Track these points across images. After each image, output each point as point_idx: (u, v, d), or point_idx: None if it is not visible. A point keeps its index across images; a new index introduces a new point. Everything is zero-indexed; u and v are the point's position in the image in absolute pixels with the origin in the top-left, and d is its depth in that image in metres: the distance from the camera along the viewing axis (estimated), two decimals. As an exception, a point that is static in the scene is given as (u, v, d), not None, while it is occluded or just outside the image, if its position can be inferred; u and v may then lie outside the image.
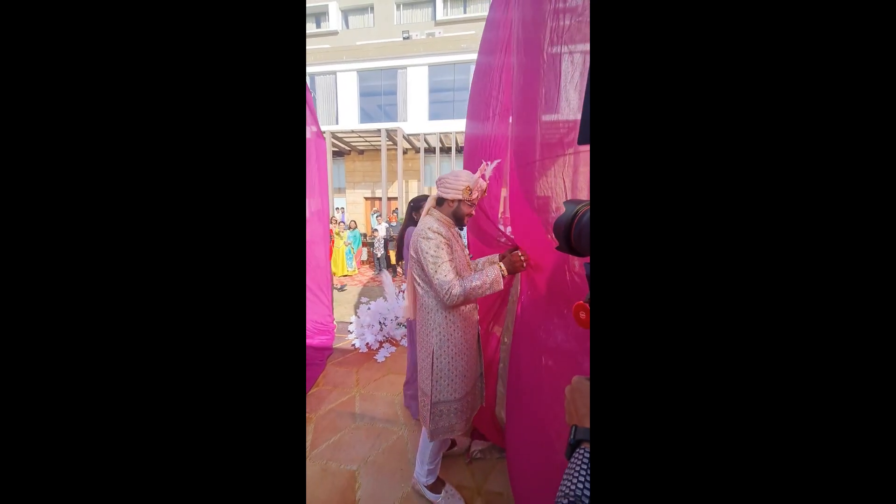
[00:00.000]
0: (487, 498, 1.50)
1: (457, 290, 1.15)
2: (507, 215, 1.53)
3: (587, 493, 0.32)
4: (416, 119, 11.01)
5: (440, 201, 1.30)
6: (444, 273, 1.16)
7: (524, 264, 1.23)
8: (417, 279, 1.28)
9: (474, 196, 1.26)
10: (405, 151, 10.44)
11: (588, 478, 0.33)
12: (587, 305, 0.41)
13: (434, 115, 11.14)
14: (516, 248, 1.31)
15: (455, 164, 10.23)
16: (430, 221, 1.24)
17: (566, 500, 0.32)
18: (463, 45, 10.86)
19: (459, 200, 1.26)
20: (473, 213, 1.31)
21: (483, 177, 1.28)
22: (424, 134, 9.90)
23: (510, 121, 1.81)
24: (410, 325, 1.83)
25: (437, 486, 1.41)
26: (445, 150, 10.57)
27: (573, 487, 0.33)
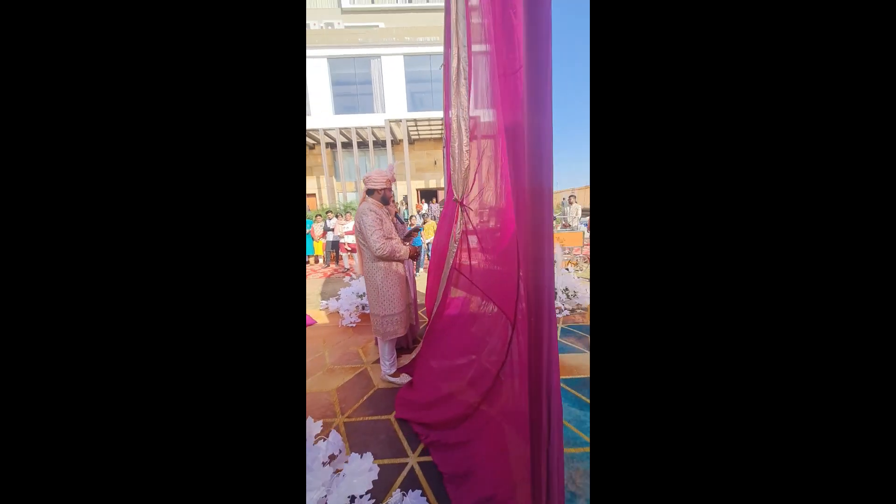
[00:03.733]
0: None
1: (387, 246, 1.96)
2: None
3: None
4: (319, 113, 10.97)
5: (370, 192, 2.06)
6: (378, 236, 1.95)
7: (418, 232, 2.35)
8: (361, 241, 2.03)
9: (390, 185, 2.10)
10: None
11: None
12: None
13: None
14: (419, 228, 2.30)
15: (358, 159, 10.59)
16: (367, 205, 2.00)
17: None
18: (360, 38, 11.07)
19: (384, 189, 2.07)
20: (391, 195, 2.15)
21: (392, 172, 2.11)
22: (324, 129, 10.04)
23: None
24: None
25: (396, 374, 2.18)
26: (348, 145, 10.82)
27: None
